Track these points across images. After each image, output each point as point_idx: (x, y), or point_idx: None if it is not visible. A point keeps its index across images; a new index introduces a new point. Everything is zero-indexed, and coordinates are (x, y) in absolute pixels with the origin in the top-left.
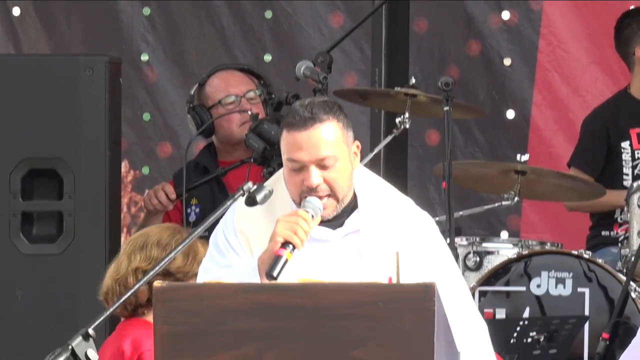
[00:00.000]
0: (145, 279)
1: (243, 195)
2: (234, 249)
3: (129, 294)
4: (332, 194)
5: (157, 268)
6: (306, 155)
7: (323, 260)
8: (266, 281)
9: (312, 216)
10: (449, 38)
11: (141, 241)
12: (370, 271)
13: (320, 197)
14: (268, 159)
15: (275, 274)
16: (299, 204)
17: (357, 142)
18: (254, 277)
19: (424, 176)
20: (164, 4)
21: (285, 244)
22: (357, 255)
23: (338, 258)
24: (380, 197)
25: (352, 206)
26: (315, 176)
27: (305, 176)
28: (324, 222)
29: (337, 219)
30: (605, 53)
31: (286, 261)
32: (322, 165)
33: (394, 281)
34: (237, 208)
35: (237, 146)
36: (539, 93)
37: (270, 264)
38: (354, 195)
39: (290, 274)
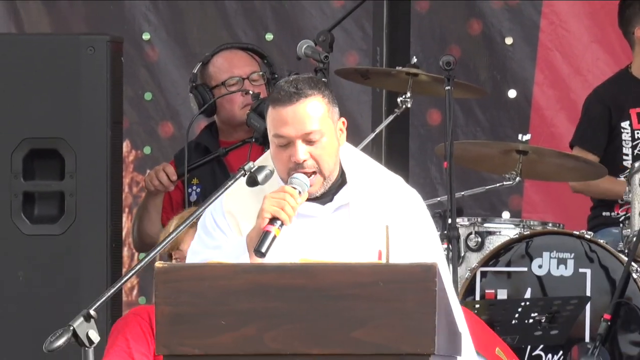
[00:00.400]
0: (144, 262)
1: (244, 175)
2: (222, 230)
3: (127, 277)
4: (319, 170)
5: (158, 249)
6: (292, 130)
7: (313, 236)
8: (255, 259)
9: (299, 192)
10: (450, 17)
11: None
12: (360, 245)
13: (307, 174)
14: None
15: (263, 250)
16: (286, 181)
17: (343, 119)
18: (242, 254)
19: (426, 156)
20: None
21: (272, 220)
22: (347, 230)
23: (328, 233)
24: (368, 172)
25: (340, 182)
26: (302, 151)
27: (292, 152)
28: (313, 199)
29: (326, 195)
30: (606, 32)
31: (274, 237)
32: (308, 140)
33: (384, 254)
34: None
35: (239, 127)
36: (540, 72)
37: (259, 240)
38: (342, 172)
39: (282, 251)
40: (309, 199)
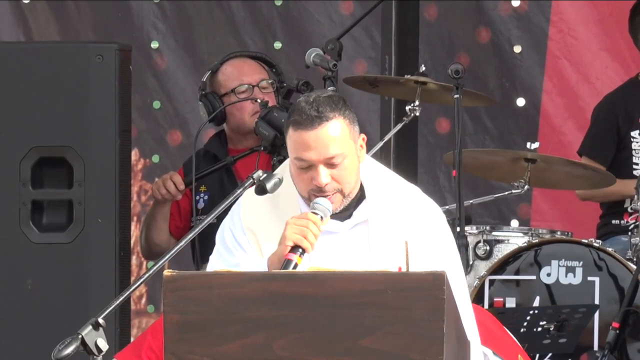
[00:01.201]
0: (152, 270)
1: (253, 183)
2: (242, 247)
3: (136, 285)
4: (340, 191)
5: (167, 256)
6: (315, 154)
7: (333, 252)
8: None
9: (322, 217)
10: (459, 25)
11: None
12: (380, 260)
13: (328, 197)
14: (278, 147)
15: None
16: (308, 200)
17: (363, 135)
18: None
19: (434, 164)
20: None
21: (294, 248)
22: (366, 246)
23: (347, 249)
24: (387, 186)
25: (359, 197)
26: (324, 175)
27: (313, 174)
28: (332, 216)
29: (345, 211)
30: (615, 40)
31: (296, 265)
32: (330, 163)
33: (404, 270)
34: (242, 204)
35: (248, 135)
36: (549, 80)
37: (280, 268)
38: (361, 187)
39: (301, 268)
40: None
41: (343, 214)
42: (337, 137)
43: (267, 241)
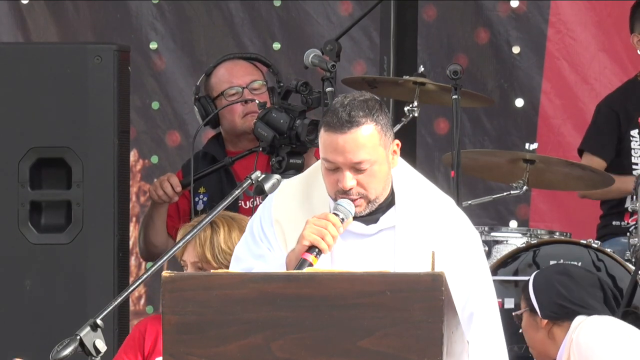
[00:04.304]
0: (150, 271)
1: (252, 184)
2: (268, 239)
3: (134, 286)
4: (365, 196)
5: (166, 257)
6: (342, 158)
7: (357, 255)
8: None
9: (343, 219)
10: (457, 26)
11: None
12: (405, 268)
13: (353, 200)
14: (277, 148)
15: None
16: (334, 199)
17: (397, 141)
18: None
19: (433, 165)
20: None
21: (311, 248)
22: (391, 252)
23: (372, 254)
24: (418, 195)
25: (389, 203)
26: (349, 179)
27: (339, 177)
28: (358, 218)
29: (372, 215)
30: (613, 41)
31: (310, 265)
32: (357, 168)
33: None
34: (275, 197)
35: (242, 137)
36: (547, 81)
37: (295, 267)
38: (392, 192)
39: (320, 266)
40: (354, 218)
41: (370, 218)
42: (366, 143)
43: (293, 235)
